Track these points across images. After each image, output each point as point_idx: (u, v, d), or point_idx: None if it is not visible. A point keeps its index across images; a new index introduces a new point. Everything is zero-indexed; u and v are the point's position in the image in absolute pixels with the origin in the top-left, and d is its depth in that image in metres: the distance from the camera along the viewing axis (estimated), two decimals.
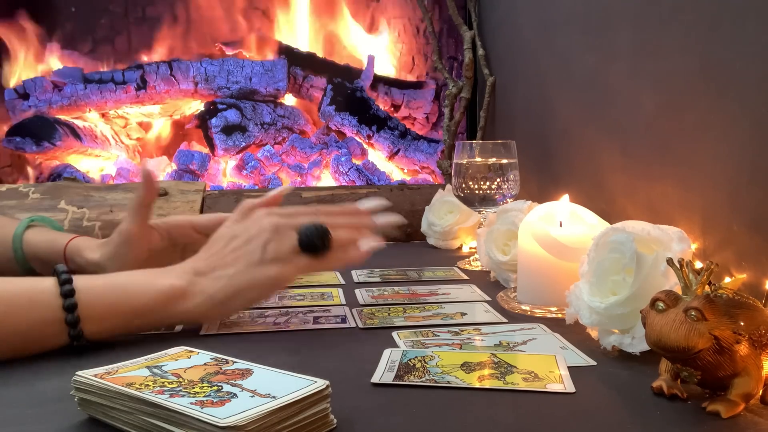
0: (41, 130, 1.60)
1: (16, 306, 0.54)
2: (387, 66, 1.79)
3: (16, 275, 0.81)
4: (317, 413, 0.40)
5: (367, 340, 0.61)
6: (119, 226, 0.76)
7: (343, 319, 0.68)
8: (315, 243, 0.61)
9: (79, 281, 0.57)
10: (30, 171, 1.64)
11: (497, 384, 0.48)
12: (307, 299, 0.77)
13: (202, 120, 1.69)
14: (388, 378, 0.50)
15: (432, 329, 0.63)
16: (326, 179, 1.71)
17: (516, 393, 0.47)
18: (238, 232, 0.63)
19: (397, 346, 0.59)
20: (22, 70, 1.64)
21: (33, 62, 1.65)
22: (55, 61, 1.66)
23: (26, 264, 0.81)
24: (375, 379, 0.50)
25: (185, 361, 0.46)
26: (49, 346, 0.55)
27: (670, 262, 0.47)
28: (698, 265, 0.47)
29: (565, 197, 0.73)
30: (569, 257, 0.67)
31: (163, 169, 1.66)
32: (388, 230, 0.68)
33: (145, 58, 1.69)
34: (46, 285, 0.56)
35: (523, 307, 0.71)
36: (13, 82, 1.63)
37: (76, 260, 0.79)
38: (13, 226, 0.83)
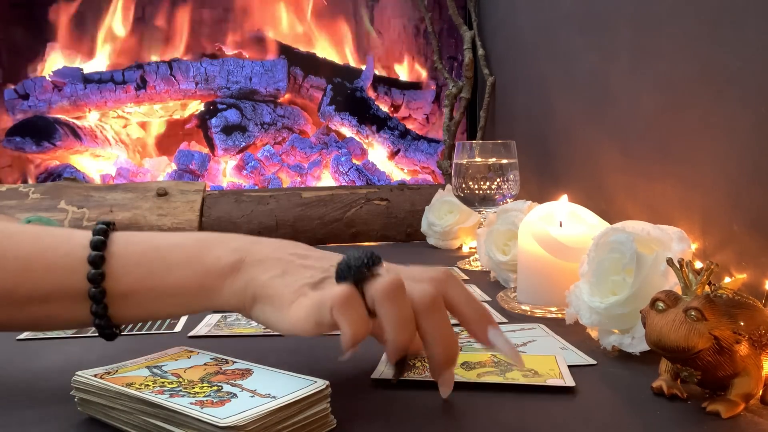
0: (41, 130, 1.60)
1: (34, 268, 0.45)
2: (387, 66, 1.79)
3: None
4: (317, 413, 0.40)
5: (367, 339, 0.61)
6: None
7: None
8: (352, 264, 0.44)
9: (115, 249, 0.46)
10: (30, 171, 1.64)
11: (497, 379, 0.48)
12: None
13: (202, 120, 1.69)
14: (388, 374, 0.50)
15: None
16: (326, 179, 1.71)
17: (517, 392, 0.47)
18: (316, 255, 0.48)
19: None
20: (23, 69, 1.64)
21: (33, 62, 1.65)
22: (55, 61, 1.66)
23: None
24: (375, 375, 0.50)
25: (185, 361, 0.46)
26: (72, 322, 0.47)
27: (670, 262, 0.47)
28: (698, 265, 0.47)
29: (564, 197, 0.73)
30: (569, 257, 0.66)
31: (163, 169, 1.66)
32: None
33: (146, 58, 1.69)
34: (74, 247, 0.46)
35: (523, 308, 0.71)
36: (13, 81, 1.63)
37: None
38: None
